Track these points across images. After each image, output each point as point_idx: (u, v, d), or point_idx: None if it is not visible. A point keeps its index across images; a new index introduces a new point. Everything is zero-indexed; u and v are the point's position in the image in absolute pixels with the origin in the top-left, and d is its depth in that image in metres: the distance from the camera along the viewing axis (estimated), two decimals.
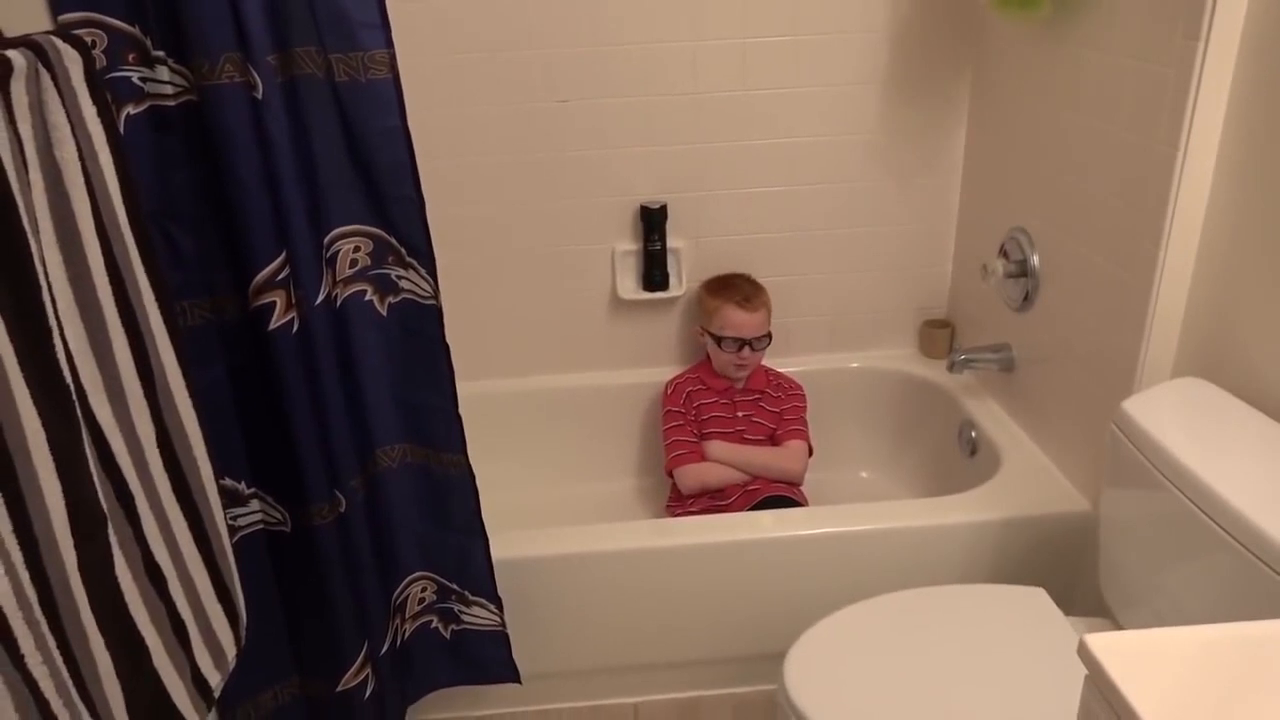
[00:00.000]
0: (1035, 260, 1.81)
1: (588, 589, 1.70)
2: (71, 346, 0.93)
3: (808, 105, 2.03)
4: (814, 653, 1.33)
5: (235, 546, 1.25)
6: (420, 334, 1.45)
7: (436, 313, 1.44)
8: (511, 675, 1.68)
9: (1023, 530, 1.67)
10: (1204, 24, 1.28)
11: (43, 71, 0.91)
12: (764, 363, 2.11)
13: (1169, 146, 1.36)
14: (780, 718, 1.28)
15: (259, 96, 1.20)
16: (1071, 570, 1.67)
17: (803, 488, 2.03)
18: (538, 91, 1.97)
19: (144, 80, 1.19)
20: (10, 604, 0.79)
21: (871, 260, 2.19)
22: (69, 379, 0.91)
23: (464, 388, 1.52)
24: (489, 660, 1.66)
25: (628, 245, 2.12)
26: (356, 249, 1.39)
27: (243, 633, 1.24)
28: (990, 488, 1.76)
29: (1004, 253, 1.90)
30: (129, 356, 1.02)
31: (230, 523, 1.30)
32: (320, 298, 1.34)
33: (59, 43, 0.96)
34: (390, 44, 1.28)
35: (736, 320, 2.00)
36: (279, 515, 1.41)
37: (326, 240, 1.35)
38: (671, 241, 2.11)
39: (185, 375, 1.12)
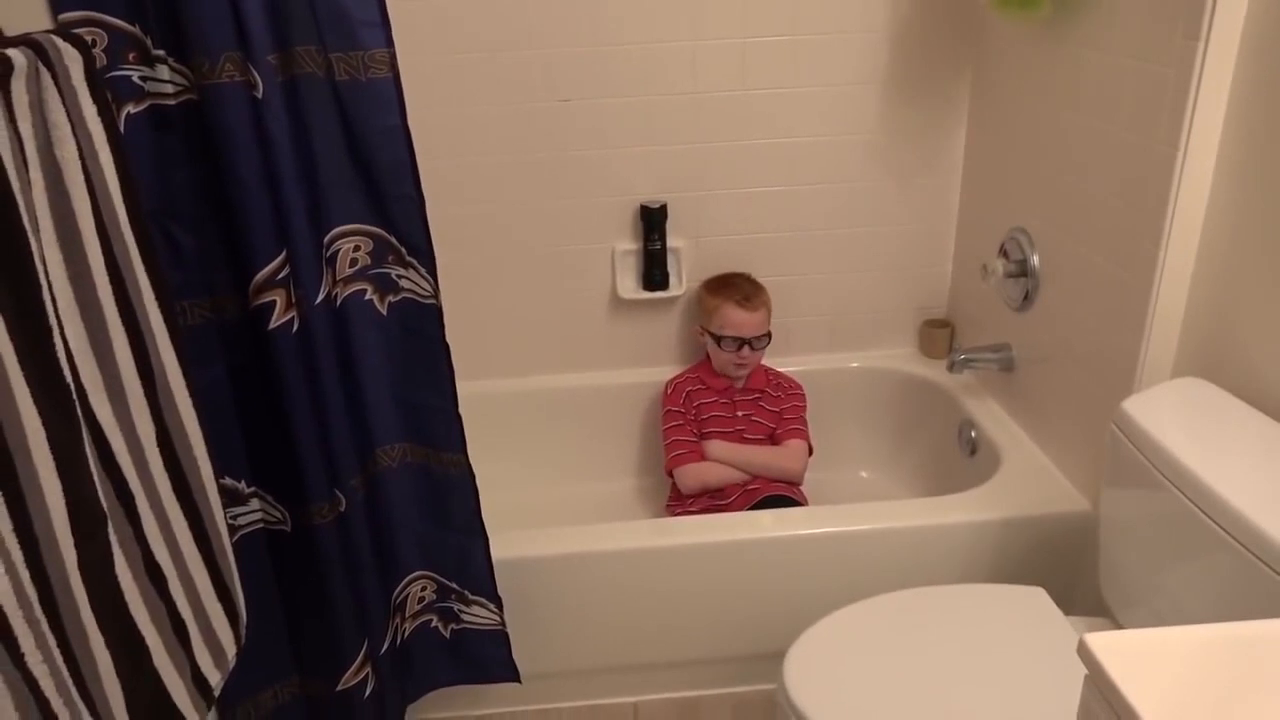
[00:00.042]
0: (1035, 260, 1.81)
1: (588, 589, 1.70)
2: (72, 345, 0.93)
3: (807, 105, 2.03)
4: (813, 652, 1.33)
5: (235, 546, 1.25)
6: (420, 333, 1.45)
7: (436, 312, 1.44)
8: (511, 675, 1.68)
9: (1022, 530, 1.67)
10: (1204, 24, 1.28)
11: (43, 70, 0.91)
12: (764, 362, 2.11)
13: (1169, 146, 1.36)
14: (780, 717, 1.28)
15: (259, 95, 1.20)
16: (1071, 570, 1.67)
17: (802, 487, 2.03)
18: (538, 91, 1.97)
19: (144, 79, 1.19)
20: (10, 603, 0.79)
21: (871, 260, 2.19)
22: (69, 378, 0.91)
23: (464, 388, 1.52)
24: (489, 659, 1.66)
25: (628, 245, 2.12)
26: (356, 248, 1.39)
27: (243, 632, 1.24)
28: (990, 487, 1.76)
29: (1004, 253, 1.90)
30: (129, 356, 1.02)
31: (230, 522, 1.30)
32: (320, 297, 1.34)
33: (59, 42, 0.96)
34: (390, 43, 1.28)
35: (736, 319, 2.00)
36: (279, 514, 1.41)
37: (326, 239, 1.35)
38: (671, 241, 2.11)
39: (185, 374, 1.12)
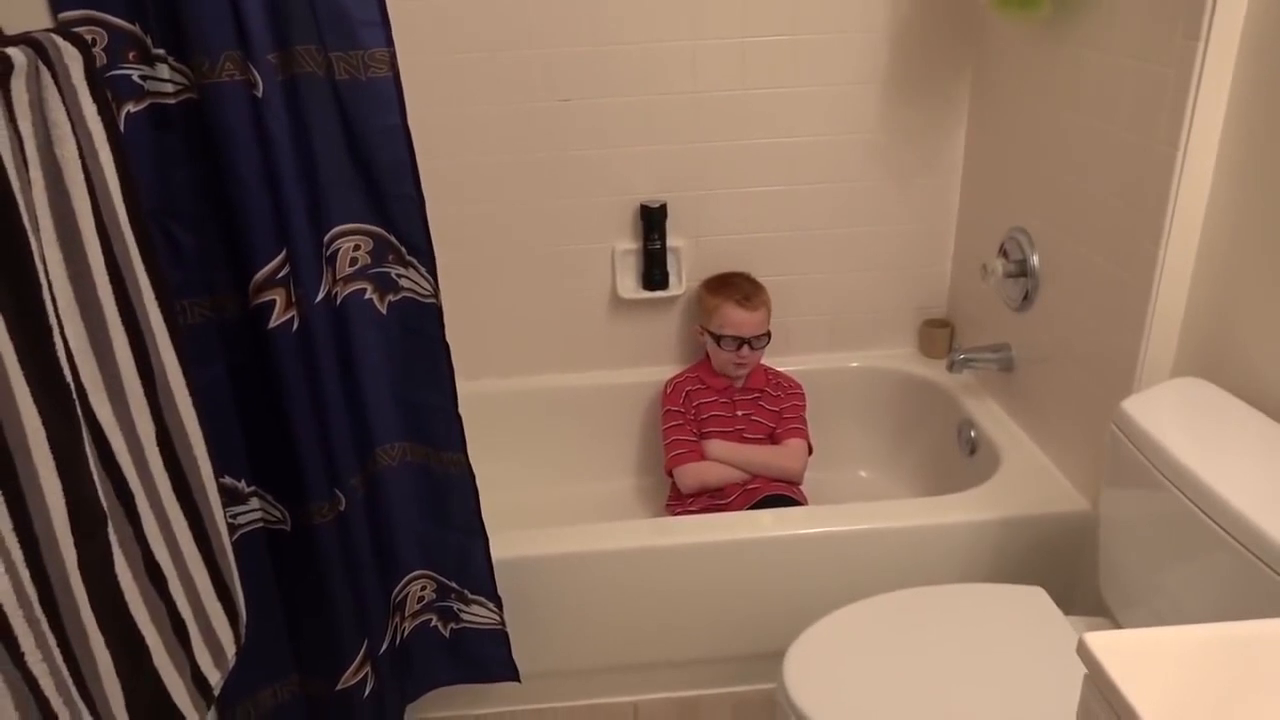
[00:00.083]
0: (1035, 260, 1.81)
1: (588, 588, 1.70)
2: (72, 345, 0.93)
3: (807, 105, 2.03)
4: (813, 652, 1.33)
5: (235, 545, 1.25)
6: (420, 333, 1.45)
7: (436, 311, 1.44)
8: (511, 674, 1.68)
9: (1022, 530, 1.67)
10: (1204, 24, 1.28)
11: (43, 69, 0.91)
12: (763, 362, 2.11)
13: (1169, 146, 1.36)
14: (779, 717, 1.28)
15: (259, 95, 1.20)
16: (1071, 570, 1.67)
17: (802, 487, 2.03)
18: (538, 91, 1.97)
19: (144, 78, 1.19)
20: (10, 602, 0.79)
21: (871, 260, 2.19)
22: (69, 377, 0.90)
23: (464, 387, 1.52)
24: (488, 659, 1.66)
25: (628, 244, 2.12)
26: (356, 247, 1.39)
27: (242, 631, 1.24)
28: (990, 487, 1.76)
29: (1004, 252, 1.90)
30: (129, 355, 1.02)
31: (230, 521, 1.30)
32: (320, 296, 1.34)
33: (59, 40, 0.96)
34: (390, 42, 1.28)
35: (736, 319, 2.00)
36: (279, 514, 1.41)
37: (326, 238, 1.35)
38: (671, 241, 2.11)
39: (185, 374, 1.12)
